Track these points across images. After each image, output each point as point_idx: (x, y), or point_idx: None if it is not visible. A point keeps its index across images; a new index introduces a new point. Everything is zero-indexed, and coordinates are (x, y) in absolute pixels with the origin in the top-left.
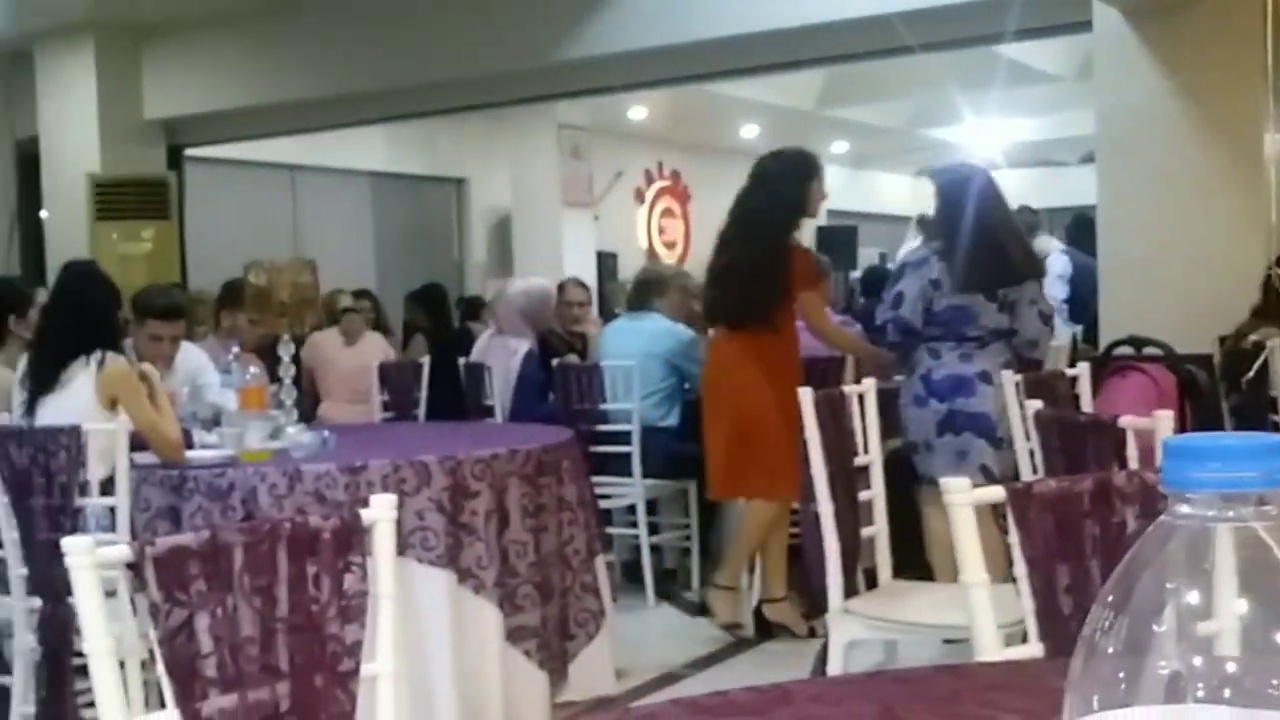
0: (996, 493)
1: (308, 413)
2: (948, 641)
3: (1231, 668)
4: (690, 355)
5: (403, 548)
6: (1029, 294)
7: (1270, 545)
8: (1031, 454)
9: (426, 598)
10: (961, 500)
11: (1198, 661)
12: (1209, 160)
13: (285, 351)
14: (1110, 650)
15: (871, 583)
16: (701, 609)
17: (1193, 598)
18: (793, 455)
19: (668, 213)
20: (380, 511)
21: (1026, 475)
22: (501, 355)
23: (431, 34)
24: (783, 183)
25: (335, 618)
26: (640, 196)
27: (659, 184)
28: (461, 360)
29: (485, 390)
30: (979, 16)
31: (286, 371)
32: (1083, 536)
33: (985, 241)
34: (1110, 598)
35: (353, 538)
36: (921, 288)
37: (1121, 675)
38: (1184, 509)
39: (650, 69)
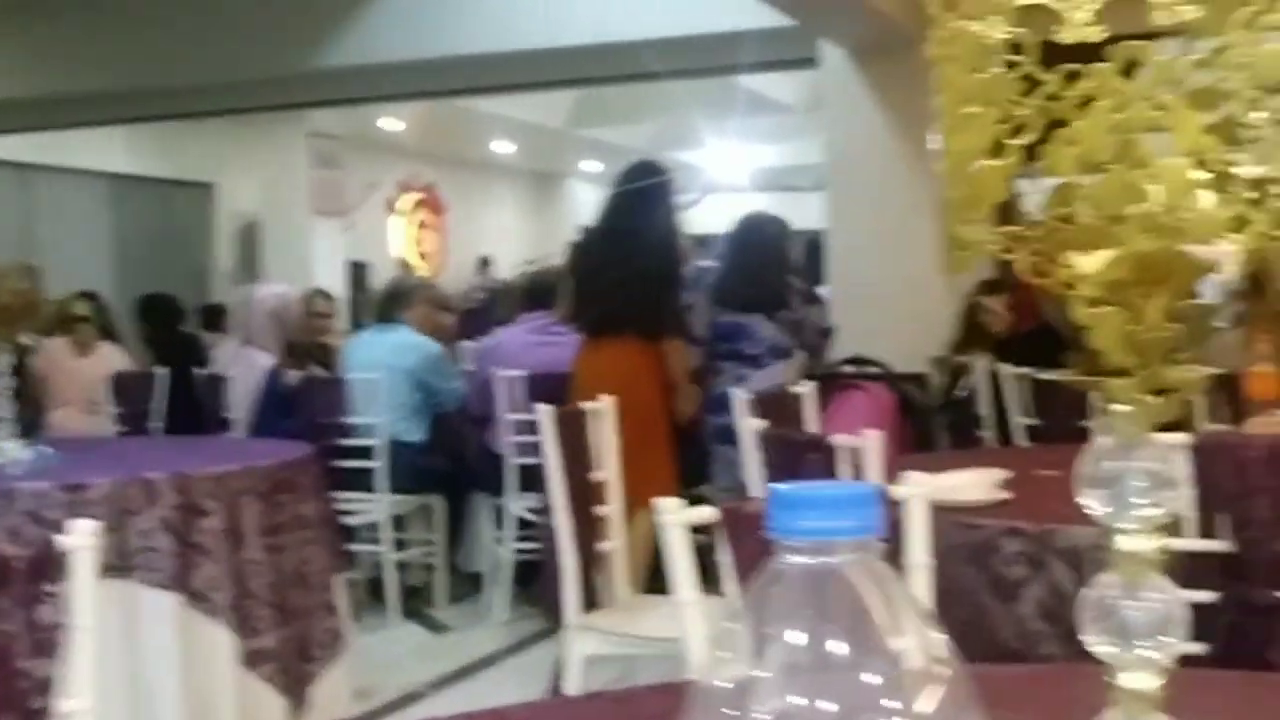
0: (710, 513)
1: (33, 424)
2: None
3: (823, 706)
4: (437, 370)
5: (128, 570)
6: (812, 315)
7: (861, 590)
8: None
9: (152, 622)
10: (671, 520)
11: (796, 700)
12: (921, 191)
13: (2, 361)
14: (722, 689)
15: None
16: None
17: (792, 638)
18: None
19: (423, 224)
20: (79, 538)
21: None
22: (246, 367)
23: (178, 35)
24: (667, 194)
25: (26, 652)
26: (392, 207)
27: (413, 195)
28: (199, 371)
29: (224, 402)
30: (718, 48)
31: (2, 382)
32: None
33: (748, 273)
34: (725, 638)
35: (47, 566)
36: (704, 301)
37: (734, 715)
38: (788, 556)
39: (403, 81)
